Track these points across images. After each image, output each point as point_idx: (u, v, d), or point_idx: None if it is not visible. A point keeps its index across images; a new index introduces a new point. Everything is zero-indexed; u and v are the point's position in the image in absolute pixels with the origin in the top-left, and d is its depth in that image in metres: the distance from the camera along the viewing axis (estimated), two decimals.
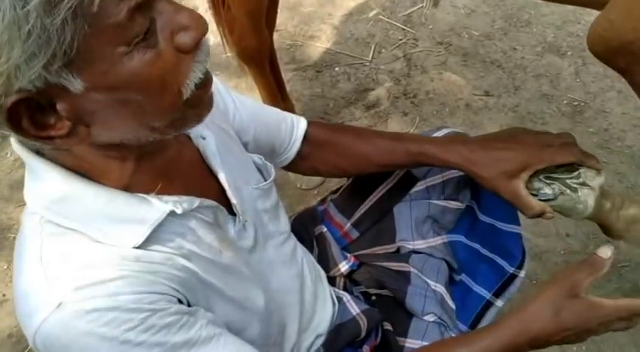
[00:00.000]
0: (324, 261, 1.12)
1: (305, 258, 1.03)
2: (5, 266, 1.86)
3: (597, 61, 0.94)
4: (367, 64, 2.41)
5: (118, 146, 0.64)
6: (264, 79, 1.78)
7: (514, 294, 1.11)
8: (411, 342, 1.03)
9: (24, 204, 0.69)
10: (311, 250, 1.13)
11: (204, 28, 0.60)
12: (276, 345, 0.92)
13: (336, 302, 1.08)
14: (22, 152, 0.65)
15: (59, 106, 0.56)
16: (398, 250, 1.09)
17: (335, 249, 1.12)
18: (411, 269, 1.07)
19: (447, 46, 2.44)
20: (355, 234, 1.12)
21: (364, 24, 2.56)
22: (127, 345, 0.62)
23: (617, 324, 0.80)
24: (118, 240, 0.65)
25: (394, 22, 2.55)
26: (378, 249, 1.11)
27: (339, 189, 1.20)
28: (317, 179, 1.95)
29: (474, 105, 2.20)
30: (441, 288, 1.07)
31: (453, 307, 1.10)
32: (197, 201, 0.71)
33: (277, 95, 1.86)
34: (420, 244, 1.08)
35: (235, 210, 0.80)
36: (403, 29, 2.53)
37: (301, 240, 1.12)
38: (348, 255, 1.12)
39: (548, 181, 0.91)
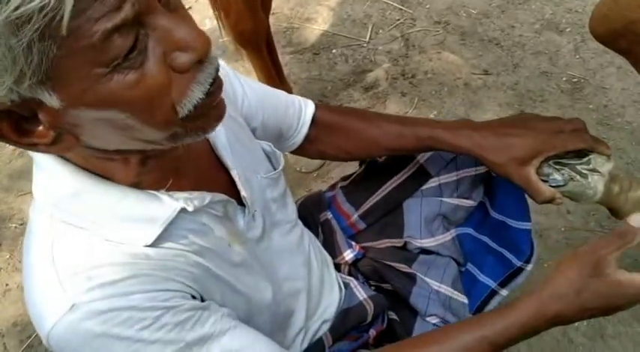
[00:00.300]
0: (329, 248, 1.12)
1: (312, 245, 1.03)
2: (7, 256, 1.87)
3: None
4: (365, 45, 2.39)
5: (118, 151, 0.62)
6: (262, 62, 1.76)
7: (519, 286, 1.11)
8: None
9: (24, 194, 0.69)
10: (316, 236, 1.13)
11: (204, 48, 0.55)
12: (282, 331, 0.93)
13: (342, 287, 1.09)
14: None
15: (41, 117, 0.54)
16: (405, 245, 1.08)
17: (340, 237, 1.12)
18: (417, 273, 1.06)
19: (445, 25, 2.42)
20: (362, 226, 1.11)
21: (361, 5, 2.54)
22: (142, 344, 0.62)
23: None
24: (129, 238, 0.65)
25: (391, 2, 2.53)
26: (385, 242, 1.10)
27: (350, 176, 1.19)
28: (316, 162, 1.95)
29: (473, 85, 2.19)
30: (445, 288, 1.06)
31: (465, 301, 1.08)
32: (208, 197, 0.71)
33: (275, 78, 1.85)
34: (428, 242, 1.07)
35: (245, 202, 0.79)
36: (400, 9, 2.51)
37: (306, 225, 1.12)
38: (353, 243, 1.12)
39: (558, 167, 0.90)
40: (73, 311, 0.59)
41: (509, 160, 0.90)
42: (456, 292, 1.08)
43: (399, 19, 2.47)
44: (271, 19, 2.51)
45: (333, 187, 1.21)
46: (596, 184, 0.90)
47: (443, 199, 1.06)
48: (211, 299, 0.72)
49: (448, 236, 1.10)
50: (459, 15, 2.46)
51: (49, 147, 0.57)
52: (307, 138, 1.05)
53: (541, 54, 2.28)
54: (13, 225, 1.93)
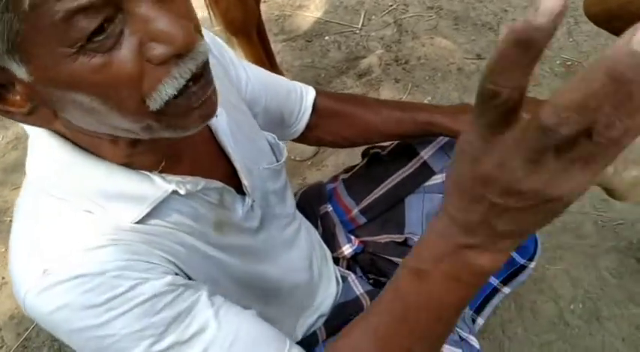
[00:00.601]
0: (328, 241, 1.12)
1: (310, 238, 1.03)
2: (3, 249, 1.86)
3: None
4: (357, 31, 2.38)
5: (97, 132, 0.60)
6: (253, 50, 1.75)
7: (522, 283, 1.11)
8: None
9: (19, 187, 0.68)
10: (315, 228, 1.13)
11: (184, 42, 0.52)
12: (276, 323, 0.92)
13: (340, 281, 1.08)
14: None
15: (17, 87, 0.53)
16: (405, 241, 1.07)
17: (339, 230, 1.11)
18: None
19: (438, 10, 2.41)
20: (362, 220, 1.11)
21: None
22: (112, 313, 0.58)
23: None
24: (115, 215, 0.63)
25: None
26: (385, 237, 1.09)
27: (352, 168, 1.18)
28: (310, 150, 1.95)
29: (466, 69, 2.18)
30: None
31: None
32: (202, 183, 0.70)
33: (267, 67, 1.83)
34: None
35: (246, 191, 0.79)
36: None
37: (306, 216, 1.11)
38: (353, 237, 1.11)
39: None
40: (44, 276, 0.57)
41: None
42: None
43: (391, 5, 2.45)
44: (263, 7, 2.50)
45: (335, 179, 1.20)
46: None
47: None
48: (200, 279, 0.70)
49: None
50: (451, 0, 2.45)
51: (25, 117, 0.56)
52: (307, 124, 1.04)
53: None
54: (8, 219, 1.93)
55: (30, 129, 0.64)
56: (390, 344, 0.55)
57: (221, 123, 0.77)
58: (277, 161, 0.91)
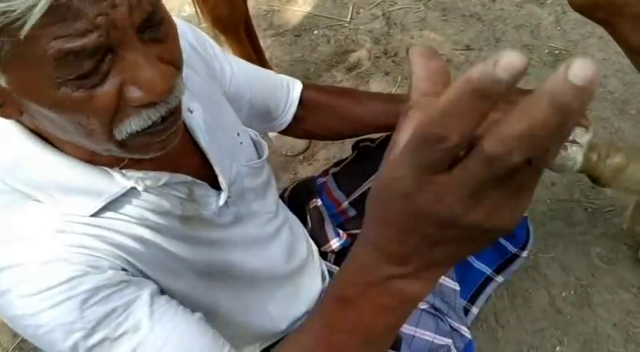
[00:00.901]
0: (316, 235, 1.12)
1: (294, 234, 1.03)
2: None
3: None
4: (346, 25, 2.38)
5: None
6: (241, 47, 1.75)
7: (514, 272, 1.12)
8: (405, 327, 1.03)
9: None
10: (304, 222, 1.13)
11: (162, 92, 0.55)
12: (254, 317, 0.92)
13: (327, 276, 1.08)
14: None
15: None
16: None
17: (328, 224, 1.12)
18: None
19: (426, 1, 2.41)
20: (352, 213, 1.11)
21: None
22: (45, 303, 0.58)
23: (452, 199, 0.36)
24: (69, 208, 0.63)
25: None
26: None
27: (342, 161, 1.19)
28: (301, 145, 1.95)
29: (456, 60, 2.19)
30: None
31: (456, 287, 1.08)
32: (165, 178, 0.70)
33: (256, 63, 1.83)
34: None
35: (222, 186, 0.79)
36: None
37: (296, 211, 1.11)
38: (341, 232, 1.12)
39: None
40: None
41: None
42: (447, 278, 1.08)
43: None
44: (251, 2, 2.49)
45: (325, 173, 1.20)
46: (576, 155, 0.92)
47: None
48: (174, 285, 0.70)
49: None
50: None
51: None
52: (295, 117, 1.05)
53: (522, 27, 2.27)
54: None
55: None
56: None
57: (196, 118, 0.77)
58: (259, 158, 0.91)
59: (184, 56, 0.62)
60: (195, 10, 1.70)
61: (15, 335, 1.68)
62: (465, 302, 1.13)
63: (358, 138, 1.15)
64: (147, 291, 0.65)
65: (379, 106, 1.01)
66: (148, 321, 0.63)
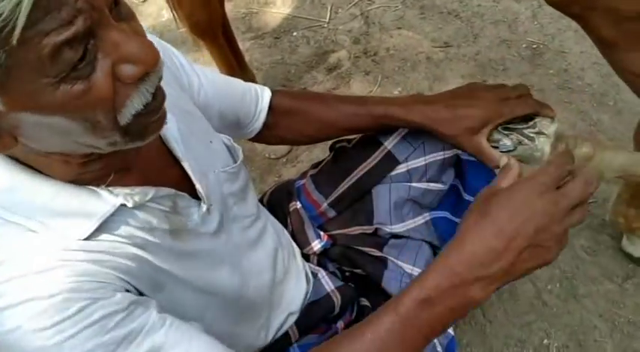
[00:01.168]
0: (298, 238, 1.12)
1: (277, 237, 1.03)
2: None
3: None
4: (325, 25, 2.38)
5: (58, 152, 0.61)
6: (220, 51, 1.75)
7: None
8: None
9: None
10: (285, 226, 1.13)
11: (153, 60, 0.56)
12: (243, 323, 0.92)
13: (311, 278, 1.09)
14: None
15: None
16: (376, 231, 1.08)
17: (308, 226, 1.12)
18: (388, 257, 1.07)
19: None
20: (332, 214, 1.12)
21: None
22: (61, 336, 0.58)
23: (572, 190, 0.65)
24: (62, 233, 0.62)
25: None
26: (356, 229, 1.10)
27: (319, 163, 1.19)
28: (284, 148, 1.95)
29: (435, 58, 2.20)
30: (418, 271, 1.07)
31: None
32: (151, 192, 0.70)
33: (235, 67, 1.83)
34: (398, 227, 1.07)
35: (200, 195, 0.78)
36: None
37: (276, 215, 1.11)
38: (322, 233, 1.12)
39: (506, 132, 0.93)
40: None
41: (460, 131, 0.93)
42: None
43: None
44: (230, 5, 2.49)
45: (304, 175, 1.20)
46: (543, 146, 0.93)
47: (412, 184, 1.06)
48: (151, 293, 0.70)
49: (420, 220, 1.10)
50: None
51: None
52: (266, 124, 1.05)
53: (500, 22, 2.29)
54: None
55: None
56: None
57: (170, 129, 0.77)
58: (235, 162, 0.91)
59: None
60: (173, 15, 1.70)
61: None
62: None
63: (335, 139, 1.16)
64: (154, 310, 0.66)
65: (349, 109, 1.02)
66: (165, 337, 0.65)
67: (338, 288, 1.07)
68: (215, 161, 0.87)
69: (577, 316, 1.53)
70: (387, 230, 1.07)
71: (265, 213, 1.04)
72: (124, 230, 0.67)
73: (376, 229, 1.08)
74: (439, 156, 1.05)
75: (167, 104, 0.64)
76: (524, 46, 2.20)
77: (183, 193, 0.75)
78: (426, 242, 1.10)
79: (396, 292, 1.05)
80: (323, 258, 1.15)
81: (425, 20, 2.33)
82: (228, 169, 0.88)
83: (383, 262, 1.07)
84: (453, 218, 1.16)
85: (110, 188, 0.66)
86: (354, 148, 1.11)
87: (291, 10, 2.46)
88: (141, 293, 0.68)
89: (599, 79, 2.04)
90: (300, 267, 1.08)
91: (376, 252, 1.08)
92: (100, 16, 0.52)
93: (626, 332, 1.49)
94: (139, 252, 0.68)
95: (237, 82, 1.03)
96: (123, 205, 0.66)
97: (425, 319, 0.65)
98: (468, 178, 1.10)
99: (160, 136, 0.77)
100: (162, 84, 0.61)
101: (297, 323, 1.02)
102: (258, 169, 1.93)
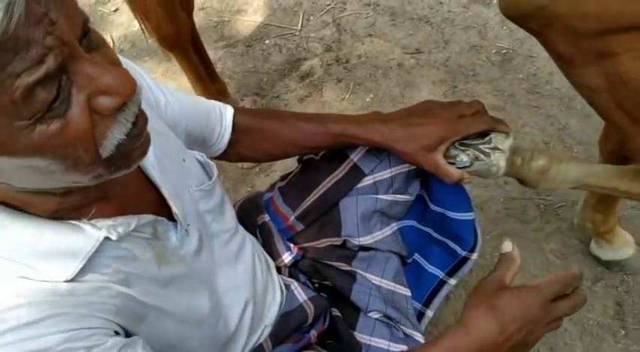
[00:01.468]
0: (268, 251, 1.12)
1: (254, 250, 1.03)
2: None
3: None
4: (297, 33, 2.39)
5: (39, 189, 0.60)
6: (190, 63, 1.74)
7: (467, 275, 1.15)
8: (360, 336, 1.05)
9: None
10: (255, 239, 1.13)
11: (130, 90, 0.54)
12: (228, 342, 0.92)
13: (284, 289, 1.09)
14: None
15: None
16: (344, 243, 1.09)
17: (278, 239, 1.12)
18: (357, 270, 1.08)
19: (375, 6, 2.43)
20: (300, 227, 1.12)
21: None
22: None
23: (562, 307, 0.79)
24: (48, 274, 0.61)
25: None
26: (324, 241, 1.11)
27: (288, 175, 1.19)
28: None
29: (406, 64, 2.21)
30: (387, 283, 1.08)
31: (407, 293, 1.10)
32: (134, 222, 0.69)
33: (206, 78, 1.83)
34: (366, 239, 1.08)
35: (176, 218, 0.78)
36: None
37: (245, 228, 1.11)
38: (291, 245, 1.12)
39: (462, 148, 0.95)
40: None
41: (417, 149, 0.95)
42: (398, 286, 1.09)
43: (329, 5, 2.46)
44: (201, 14, 2.49)
45: (272, 188, 1.20)
46: (498, 161, 0.96)
47: (379, 196, 1.07)
48: (137, 329, 0.70)
49: (388, 231, 1.11)
50: None
51: None
52: (229, 142, 1.05)
53: (470, 28, 2.31)
54: None
55: None
56: None
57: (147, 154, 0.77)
58: (210, 179, 0.91)
59: None
60: (141, 27, 1.69)
61: None
62: (420, 305, 1.15)
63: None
64: (140, 348, 0.66)
65: (308, 127, 1.02)
66: None
67: (311, 299, 1.07)
68: (189, 180, 0.86)
69: None
70: (355, 242, 1.07)
71: (242, 226, 1.04)
72: (108, 266, 0.66)
73: (345, 241, 1.09)
74: (404, 168, 1.06)
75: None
76: (493, 51, 2.22)
77: (161, 218, 0.75)
78: (394, 253, 1.11)
79: (364, 305, 1.06)
80: (294, 269, 1.15)
81: (396, 27, 2.35)
82: (203, 187, 0.88)
83: (352, 276, 1.08)
84: (420, 226, 1.17)
85: (92, 221, 0.65)
86: (321, 160, 1.12)
87: (263, 18, 2.46)
88: (124, 329, 0.68)
89: (567, 84, 2.02)
90: (275, 280, 1.08)
91: (345, 266, 1.09)
92: (70, 50, 0.50)
93: (596, 334, 1.52)
94: (123, 289, 0.67)
95: (202, 100, 1.03)
96: (106, 238, 0.65)
97: None
98: (433, 190, 1.11)
99: None
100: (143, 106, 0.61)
101: (270, 335, 1.02)
102: (231, 180, 1.93)
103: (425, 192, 1.14)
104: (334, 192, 1.08)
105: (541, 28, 0.90)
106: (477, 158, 0.95)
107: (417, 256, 1.17)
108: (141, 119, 0.59)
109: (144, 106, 0.83)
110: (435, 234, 1.15)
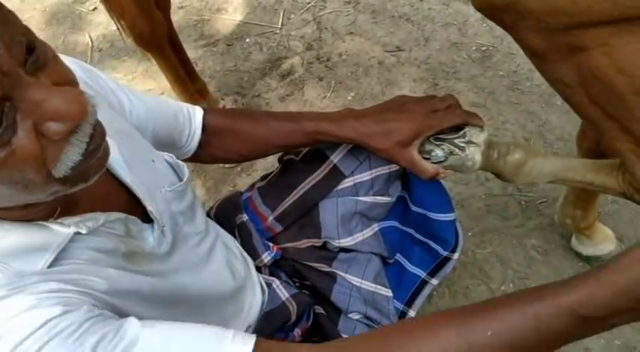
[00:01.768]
0: (247, 250, 1.12)
1: (228, 249, 1.02)
2: None
3: None
4: (278, 31, 2.37)
5: None
6: (168, 62, 1.72)
7: (448, 274, 1.14)
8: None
9: None
10: (234, 238, 1.12)
11: (80, 113, 0.52)
12: None
13: (265, 288, 1.08)
14: None
15: None
16: (324, 245, 1.08)
17: (256, 239, 1.11)
18: (337, 271, 1.07)
19: (355, 4, 2.43)
20: (278, 228, 1.11)
21: None
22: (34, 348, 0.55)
23: None
24: (23, 269, 0.60)
25: None
26: (304, 242, 1.10)
27: (268, 175, 1.18)
28: None
29: (387, 62, 2.21)
30: (367, 284, 1.07)
31: (389, 294, 1.09)
32: (102, 218, 0.68)
33: (185, 77, 1.81)
34: (346, 241, 1.07)
35: (153, 216, 0.77)
36: None
37: (224, 228, 1.10)
38: (271, 245, 1.11)
39: (437, 143, 0.94)
40: None
41: (391, 145, 0.94)
42: (379, 286, 1.09)
43: (309, 3, 2.45)
44: (181, 13, 2.47)
45: (251, 187, 1.19)
46: (474, 155, 0.95)
47: (359, 198, 1.06)
48: (127, 305, 0.69)
49: (369, 232, 1.10)
50: None
51: None
52: (199, 144, 1.04)
53: (450, 25, 2.31)
54: None
55: None
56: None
57: (113, 154, 0.74)
58: (180, 180, 0.90)
59: None
60: (117, 27, 1.67)
61: None
62: (403, 305, 1.15)
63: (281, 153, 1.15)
64: (130, 317, 0.63)
65: (281, 126, 1.01)
66: (142, 331, 0.61)
67: (293, 296, 1.06)
68: (160, 180, 0.85)
69: None
70: (336, 244, 1.07)
71: (215, 227, 1.03)
72: (84, 254, 0.66)
73: (325, 242, 1.08)
74: (385, 169, 1.06)
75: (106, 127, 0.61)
76: (474, 48, 2.22)
77: (133, 217, 0.74)
78: (375, 254, 1.10)
79: (344, 306, 1.05)
80: (275, 268, 1.14)
81: (377, 25, 2.34)
82: (175, 188, 0.87)
83: (332, 277, 1.07)
84: (402, 227, 1.16)
85: (59, 220, 0.64)
86: (301, 161, 1.11)
87: (243, 16, 2.44)
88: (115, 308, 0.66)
89: None
90: (254, 278, 1.07)
91: (325, 268, 1.08)
92: (12, 80, 0.48)
93: None
94: (98, 282, 0.66)
95: (169, 102, 1.02)
96: (77, 233, 0.65)
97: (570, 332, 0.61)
98: (414, 190, 1.11)
99: None
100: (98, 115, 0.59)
101: (254, 333, 1.01)
102: (212, 179, 1.91)
103: (406, 193, 1.13)
104: (313, 194, 1.07)
105: (514, 22, 0.90)
106: (451, 152, 0.94)
107: (398, 256, 1.17)
108: (97, 135, 0.57)
109: (109, 109, 0.81)
110: (416, 235, 1.15)
